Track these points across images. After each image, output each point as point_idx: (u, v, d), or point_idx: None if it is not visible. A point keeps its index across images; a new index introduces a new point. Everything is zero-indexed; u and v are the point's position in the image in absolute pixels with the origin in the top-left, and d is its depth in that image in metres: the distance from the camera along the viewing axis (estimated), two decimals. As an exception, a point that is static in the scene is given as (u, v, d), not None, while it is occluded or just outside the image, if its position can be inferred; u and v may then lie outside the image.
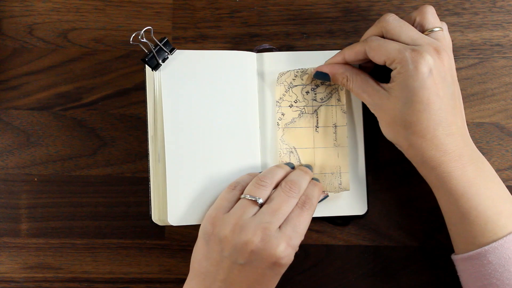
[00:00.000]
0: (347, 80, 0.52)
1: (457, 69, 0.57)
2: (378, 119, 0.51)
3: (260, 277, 0.49)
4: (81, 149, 0.57)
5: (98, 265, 0.56)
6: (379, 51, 0.49)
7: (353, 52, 0.52)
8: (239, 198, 0.51)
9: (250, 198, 0.50)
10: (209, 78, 0.55)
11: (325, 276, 0.56)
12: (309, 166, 0.55)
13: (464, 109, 0.57)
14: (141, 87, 0.57)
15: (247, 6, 0.58)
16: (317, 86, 0.56)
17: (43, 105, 0.57)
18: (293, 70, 0.56)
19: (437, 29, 0.51)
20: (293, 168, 0.55)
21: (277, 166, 0.54)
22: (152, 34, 0.52)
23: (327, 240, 0.56)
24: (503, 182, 0.50)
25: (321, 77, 0.54)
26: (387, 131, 0.51)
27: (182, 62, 0.54)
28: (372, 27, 0.52)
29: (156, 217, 0.54)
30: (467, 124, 0.57)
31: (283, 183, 0.51)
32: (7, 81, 0.57)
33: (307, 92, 0.56)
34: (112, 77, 0.57)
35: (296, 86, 0.56)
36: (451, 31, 0.58)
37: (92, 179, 0.57)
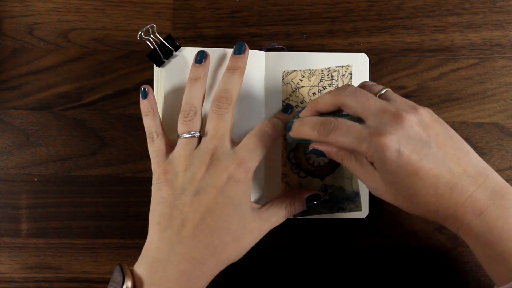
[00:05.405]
0: (341, 159, 0.48)
1: (457, 69, 0.57)
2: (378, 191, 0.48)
3: (212, 204, 0.48)
4: (81, 149, 0.57)
5: (98, 265, 0.56)
6: (345, 137, 0.46)
7: (325, 106, 0.49)
8: (168, 145, 0.52)
9: (186, 136, 0.50)
10: (215, 76, 0.55)
11: (324, 276, 0.56)
12: None
13: (464, 109, 0.57)
14: (141, 87, 0.57)
15: (247, 6, 0.58)
16: (324, 87, 0.56)
17: (43, 105, 0.57)
18: (300, 71, 0.56)
19: (384, 90, 0.48)
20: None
21: (189, 84, 0.52)
22: (155, 31, 0.52)
23: (326, 240, 0.56)
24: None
25: (316, 153, 0.49)
26: (393, 201, 0.47)
27: (187, 59, 0.54)
28: (329, 95, 0.48)
29: None
30: (467, 124, 0.57)
31: (211, 103, 0.51)
32: (7, 81, 0.57)
33: (314, 94, 0.56)
34: (112, 77, 0.57)
35: (303, 87, 0.56)
36: (451, 31, 0.58)
37: (92, 179, 0.57)
